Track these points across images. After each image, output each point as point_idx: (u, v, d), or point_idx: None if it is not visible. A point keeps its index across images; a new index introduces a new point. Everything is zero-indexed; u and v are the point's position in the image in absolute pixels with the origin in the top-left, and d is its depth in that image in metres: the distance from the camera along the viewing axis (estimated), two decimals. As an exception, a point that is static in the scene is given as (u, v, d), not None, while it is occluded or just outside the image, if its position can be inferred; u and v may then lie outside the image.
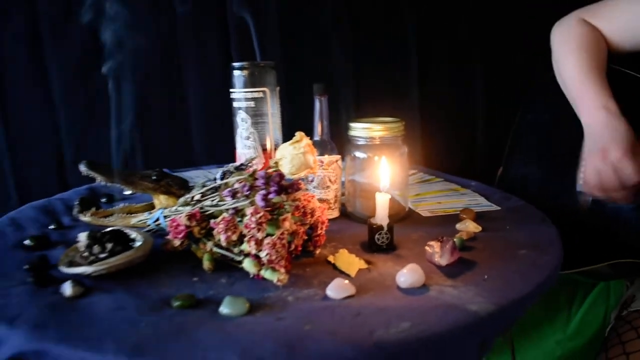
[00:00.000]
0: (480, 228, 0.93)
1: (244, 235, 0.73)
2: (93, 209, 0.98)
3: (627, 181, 0.98)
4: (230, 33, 1.61)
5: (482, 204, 1.08)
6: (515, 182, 1.32)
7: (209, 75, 1.65)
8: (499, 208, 1.06)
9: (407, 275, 0.70)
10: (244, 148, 1.01)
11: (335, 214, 1.02)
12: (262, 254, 0.71)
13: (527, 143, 1.39)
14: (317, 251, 0.83)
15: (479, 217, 0.98)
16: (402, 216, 1.01)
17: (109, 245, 0.76)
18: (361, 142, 0.97)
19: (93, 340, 0.58)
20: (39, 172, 1.63)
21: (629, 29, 1.15)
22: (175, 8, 1.58)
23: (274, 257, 0.70)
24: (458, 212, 1.00)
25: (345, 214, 1.04)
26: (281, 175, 0.77)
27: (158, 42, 1.58)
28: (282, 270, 0.71)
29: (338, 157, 1.01)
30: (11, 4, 1.52)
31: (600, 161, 1.00)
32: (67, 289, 0.70)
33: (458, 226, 0.93)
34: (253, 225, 0.71)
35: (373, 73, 1.73)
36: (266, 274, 0.71)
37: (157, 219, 0.88)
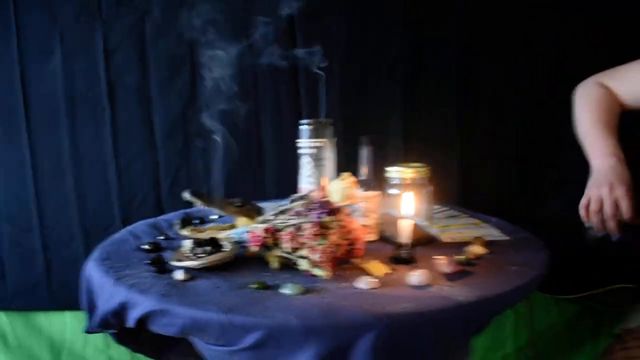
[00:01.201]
0: (486, 251, 1.18)
1: (303, 244, 1.02)
2: (191, 227, 1.31)
3: (622, 214, 1.21)
4: (301, 91, 1.94)
5: (494, 234, 1.33)
6: (543, 221, 1.54)
7: (279, 125, 1.97)
8: (508, 238, 1.31)
9: (416, 275, 0.98)
10: (307, 184, 1.31)
11: (374, 237, 1.29)
12: (315, 257, 1.00)
13: (557, 187, 1.62)
14: (355, 261, 1.11)
15: (489, 244, 1.22)
16: (426, 241, 1.27)
17: (208, 248, 1.08)
18: (395, 181, 1.26)
19: (202, 304, 0.89)
20: (140, 199, 1.99)
21: (636, 91, 1.38)
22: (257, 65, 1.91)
23: (323, 259, 0.99)
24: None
25: (382, 237, 1.31)
26: (329, 202, 1.07)
27: (241, 96, 1.92)
28: (328, 269, 1.00)
29: (378, 192, 1.29)
30: (126, 66, 1.92)
31: (606, 193, 1.22)
32: (179, 274, 1.01)
33: (466, 248, 1.18)
34: (310, 236, 1.00)
35: (419, 124, 1.97)
36: (316, 270, 1.01)
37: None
